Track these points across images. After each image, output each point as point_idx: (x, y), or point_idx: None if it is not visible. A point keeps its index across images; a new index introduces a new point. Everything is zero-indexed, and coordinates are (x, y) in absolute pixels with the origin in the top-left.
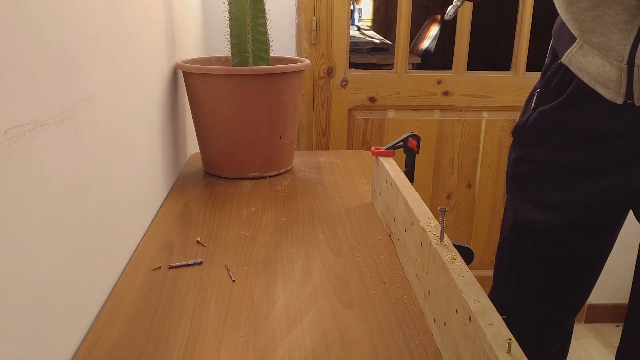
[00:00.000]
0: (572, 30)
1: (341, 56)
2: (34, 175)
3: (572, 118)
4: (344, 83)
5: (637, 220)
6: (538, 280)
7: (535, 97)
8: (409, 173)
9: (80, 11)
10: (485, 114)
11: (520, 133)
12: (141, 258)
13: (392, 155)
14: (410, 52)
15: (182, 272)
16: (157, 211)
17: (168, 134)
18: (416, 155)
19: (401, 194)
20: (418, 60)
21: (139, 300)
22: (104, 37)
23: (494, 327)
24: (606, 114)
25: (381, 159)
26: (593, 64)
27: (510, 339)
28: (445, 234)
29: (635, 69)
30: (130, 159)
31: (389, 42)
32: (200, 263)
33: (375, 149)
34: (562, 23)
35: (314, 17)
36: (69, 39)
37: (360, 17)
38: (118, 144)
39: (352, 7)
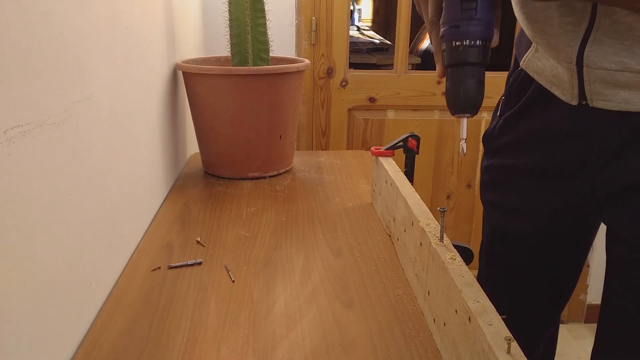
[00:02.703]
0: (525, 31)
1: (341, 56)
2: (34, 175)
3: (533, 121)
4: (343, 83)
5: (605, 223)
6: (513, 287)
7: (500, 105)
8: (409, 173)
9: (80, 11)
10: (484, 114)
11: (488, 141)
12: (141, 258)
13: (392, 155)
14: (410, 52)
15: (182, 272)
16: (157, 211)
17: (168, 134)
18: (416, 155)
19: (401, 194)
20: (418, 60)
21: (138, 300)
22: (104, 37)
23: (494, 327)
24: (565, 116)
25: (381, 159)
26: (548, 67)
27: (509, 339)
28: (445, 234)
29: (585, 69)
30: (130, 159)
31: (389, 42)
32: (200, 263)
33: (375, 149)
34: (522, 31)
35: (314, 17)
36: (69, 39)
37: (360, 17)
38: (118, 144)
39: (352, 7)
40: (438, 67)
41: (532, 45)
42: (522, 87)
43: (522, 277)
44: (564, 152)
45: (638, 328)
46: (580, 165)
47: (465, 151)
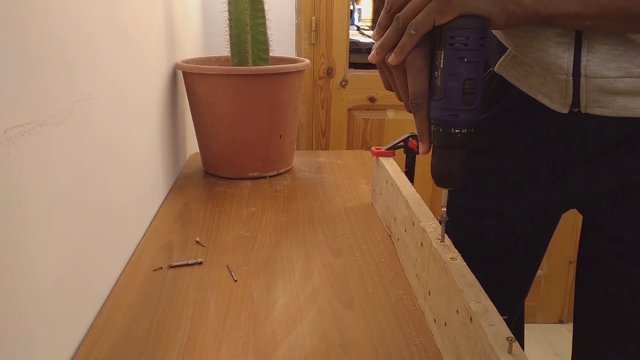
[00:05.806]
0: (505, 44)
1: (341, 56)
2: (34, 175)
3: (511, 126)
4: (343, 83)
5: (587, 220)
6: (482, 282)
7: None
8: (410, 173)
9: (79, 11)
10: None
11: None
12: (141, 258)
13: (393, 155)
14: None
15: (182, 272)
16: (157, 211)
17: (168, 134)
18: (417, 155)
19: (401, 194)
20: None
21: (139, 300)
22: (103, 37)
23: (495, 328)
24: (549, 121)
25: (381, 159)
26: (532, 74)
27: (511, 339)
28: (446, 235)
29: (582, 79)
30: (130, 159)
31: None
32: (200, 263)
33: (376, 149)
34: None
35: (314, 17)
36: (69, 39)
37: (360, 17)
38: (118, 144)
39: (352, 7)
40: (424, 146)
41: (508, 50)
42: (497, 90)
43: (492, 273)
44: (547, 156)
45: (621, 317)
46: (564, 167)
47: (445, 217)
